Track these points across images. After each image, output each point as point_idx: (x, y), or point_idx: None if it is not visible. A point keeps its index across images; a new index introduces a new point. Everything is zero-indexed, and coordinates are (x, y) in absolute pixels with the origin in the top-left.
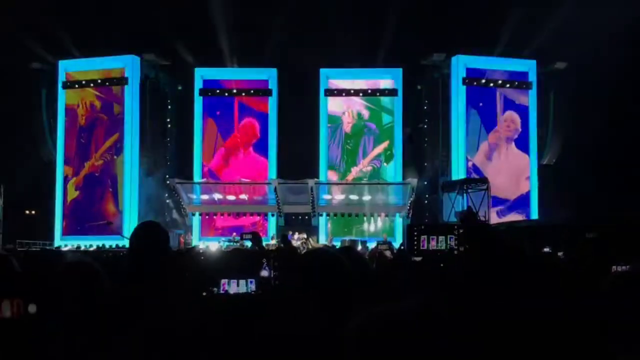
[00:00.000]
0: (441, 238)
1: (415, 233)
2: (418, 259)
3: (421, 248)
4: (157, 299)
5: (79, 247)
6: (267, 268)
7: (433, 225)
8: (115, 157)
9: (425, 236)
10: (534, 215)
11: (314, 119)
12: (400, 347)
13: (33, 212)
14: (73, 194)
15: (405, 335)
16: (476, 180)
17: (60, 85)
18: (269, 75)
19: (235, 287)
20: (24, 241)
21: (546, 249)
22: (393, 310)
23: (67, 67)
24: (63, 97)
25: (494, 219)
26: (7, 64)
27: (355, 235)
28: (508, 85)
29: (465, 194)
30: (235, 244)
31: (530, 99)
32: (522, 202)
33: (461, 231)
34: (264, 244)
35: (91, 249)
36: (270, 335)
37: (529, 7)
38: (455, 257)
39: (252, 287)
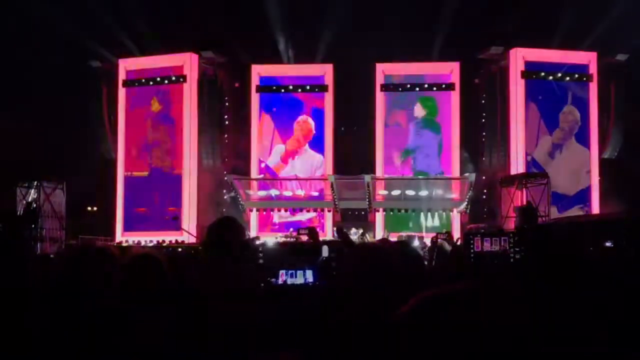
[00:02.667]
0: (495, 239)
1: (471, 237)
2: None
3: (476, 249)
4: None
5: (139, 242)
6: (327, 251)
7: (490, 232)
8: (174, 154)
9: (479, 237)
10: (596, 209)
11: (370, 114)
12: (450, 328)
13: (94, 208)
14: (133, 190)
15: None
16: (535, 174)
17: (120, 83)
18: (324, 71)
19: (292, 278)
20: (86, 237)
21: (608, 244)
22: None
23: (127, 66)
24: (123, 95)
25: (554, 213)
26: (68, 62)
27: (412, 231)
28: (568, 78)
29: (524, 189)
30: (291, 239)
31: (590, 92)
32: (583, 197)
33: (516, 238)
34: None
35: (151, 244)
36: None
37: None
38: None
39: (310, 279)
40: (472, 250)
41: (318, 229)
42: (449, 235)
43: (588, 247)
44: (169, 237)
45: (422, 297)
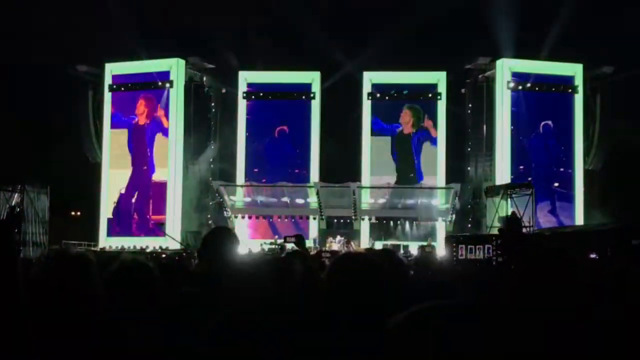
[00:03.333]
0: (479, 247)
1: (454, 243)
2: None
3: (460, 257)
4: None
5: (122, 248)
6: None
7: (471, 235)
8: (159, 159)
9: (464, 245)
10: (580, 220)
11: (356, 122)
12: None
13: (78, 213)
14: (118, 195)
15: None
16: (520, 185)
17: (106, 87)
18: (312, 78)
19: None
20: (69, 242)
21: (592, 255)
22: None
23: (113, 70)
24: (109, 99)
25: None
26: (54, 66)
27: (397, 240)
28: (554, 89)
29: (509, 199)
30: (277, 246)
31: (576, 103)
32: (567, 207)
33: (499, 242)
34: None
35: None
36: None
37: (575, 10)
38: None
39: None
40: (455, 258)
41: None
42: (429, 247)
43: (574, 257)
44: (152, 243)
45: (418, 308)
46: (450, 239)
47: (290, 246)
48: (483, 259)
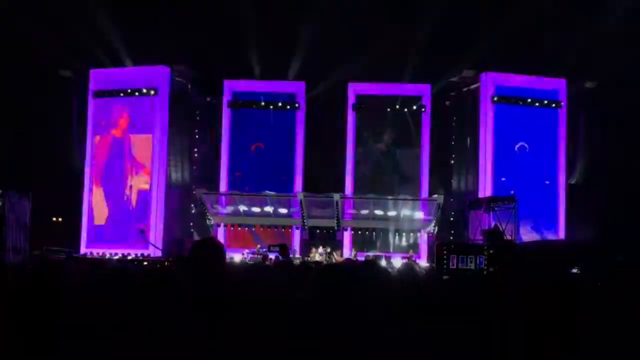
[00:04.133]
0: (471, 258)
1: (445, 252)
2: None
3: (451, 267)
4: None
5: (104, 254)
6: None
7: (463, 245)
8: (142, 166)
9: (455, 255)
10: (562, 235)
11: (341, 133)
12: None
13: (59, 219)
14: (99, 201)
15: None
16: (503, 198)
17: (90, 94)
18: (297, 88)
19: None
20: (51, 248)
21: (574, 270)
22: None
23: (98, 76)
24: (93, 106)
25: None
26: (38, 71)
27: (380, 251)
28: (537, 104)
29: (492, 212)
30: (259, 256)
31: (559, 118)
32: (549, 221)
33: (491, 252)
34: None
35: (115, 257)
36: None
37: (559, 25)
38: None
39: None
40: (445, 268)
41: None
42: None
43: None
44: (134, 251)
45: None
46: (441, 248)
47: (273, 255)
48: (474, 269)
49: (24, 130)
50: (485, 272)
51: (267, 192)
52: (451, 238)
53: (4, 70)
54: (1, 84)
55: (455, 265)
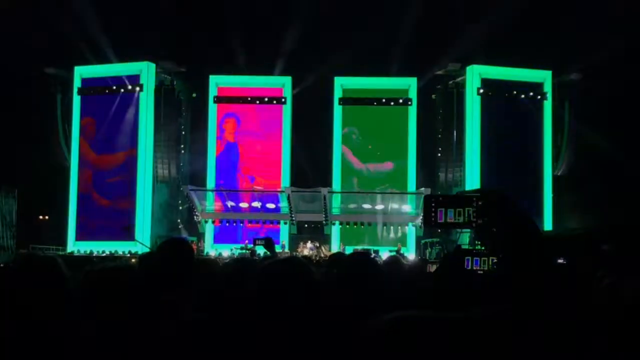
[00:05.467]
0: (459, 211)
1: (433, 205)
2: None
3: (438, 221)
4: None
5: (91, 252)
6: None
7: (451, 197)
8: (129, 163)
9: (443, 209)
10: (548, 226)
11: (328, 127)
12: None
13: (46, 217)
14: (86, 199)
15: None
16: (490, 191)
17: (75, 90)
18: (283, 83)
19: None
20: (37, 246)
21: (560, 261)
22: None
23: (83, 73)
24: (78, 103)
25: None
26: (21, 68)
27: (368, 244)
28: (523, 96)
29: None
30: (246, 251)
31: (545, 110)
32: (536, 213)
33: (480, 203)
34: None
35: (103, 254)
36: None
37: (544, 17)
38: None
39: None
40: (433, 221)
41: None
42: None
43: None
44: (121, 248)
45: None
46: (428, 200)
47: (260, 249)
48: (463, 222)
49: (8, 128)
50: (474, 225)
51: (255, 187)
52: (439, 231)
53: None
54: None
55: (443, 219)
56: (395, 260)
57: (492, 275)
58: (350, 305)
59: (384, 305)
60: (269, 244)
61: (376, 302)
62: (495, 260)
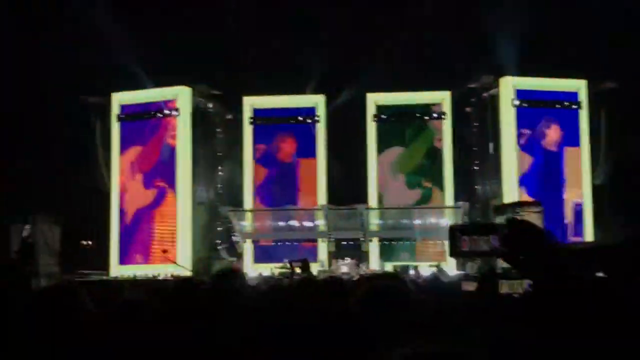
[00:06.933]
0: (484, 239)
1: (458, 234)
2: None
3: (464, 250)
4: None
5: (134, 276)
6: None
7: (475, 225)
8: (168, 187)
9: (468, 238)
10: (589, 237)
11: (362, 144)
12: None
13: (89, 242)
14: (128, 224)
15: None
16: (529, 203)
17: (113, 117)
18: (316, 101)
19: None
20: (83, 271)
21: (600, 274)
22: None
23: (121, 100)
24: (117, 129)
25: None
26: (61, 97)
27: (407, 260)
28: (558, 106)
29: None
30: (287, 270)
31: (581, 119)
32: (576, 224)
33: (505, 232)
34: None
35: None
36: None
37: (578, 27)
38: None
39: None
40: (457, 251)
41: (312, 259)
42: (440, 270)
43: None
44: (163, 270)
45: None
46: (453, 230)
47: (298, 270)
48: (488, 250)
49: (49, 156)
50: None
51: (291, 206)
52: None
53: (30, 98)
54: (27, 111)
55: (467, 247)
56: (435, 278)
57: (524, 299)
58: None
59: (406, 334)
60: (305, 265)
61: (397, 330)
62: (527, 285)
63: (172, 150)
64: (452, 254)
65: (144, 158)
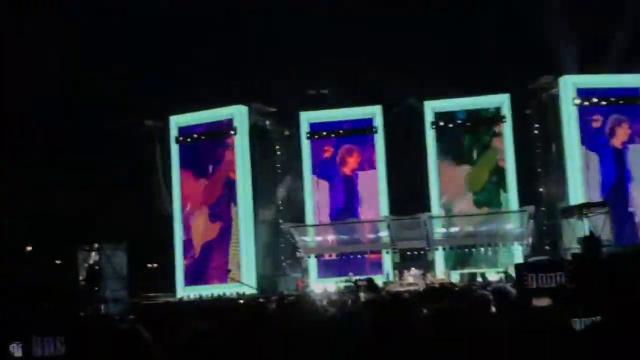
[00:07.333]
0: (550, 276)
1: (524, 272)
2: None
3: (531, 287)
4: None
5: (200, 297)
6: None
7: (541, 262)
8: (229, 207)
9: (534, 274)
10: None
11: (422, 152)
12: None
13: (155, 265)
14: (190, 245)
15: None
16: (595, 204)
17: (172, 140)
18: (373, 112)
19: None
20: (148, 294)
21: None
22: None
23: (178, 122)
24: (176, 151)
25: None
26: (120, 123)
27: (474, 268)
28: (621, 102)
29: (584, 219)
30: (352, 283)
31: None
32: None
33: (571, 268)
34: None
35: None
36: None
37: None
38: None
39: None
40: (525, 287)
41: (377, 271)
42: (507, 276)
43: None
44: (229, 290)
45: None
46: (518, 268)
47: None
48: (555, 286)
49: (112, 182)
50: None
51: (354, 219)
52: (546, 248)
53: (86, 125)
54: (87, 140)
55: (535, 284)
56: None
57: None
58: None
59: None
60: (371, 284)
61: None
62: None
63: (231, 169)
64: (519, 292)
65: (203, 178)
